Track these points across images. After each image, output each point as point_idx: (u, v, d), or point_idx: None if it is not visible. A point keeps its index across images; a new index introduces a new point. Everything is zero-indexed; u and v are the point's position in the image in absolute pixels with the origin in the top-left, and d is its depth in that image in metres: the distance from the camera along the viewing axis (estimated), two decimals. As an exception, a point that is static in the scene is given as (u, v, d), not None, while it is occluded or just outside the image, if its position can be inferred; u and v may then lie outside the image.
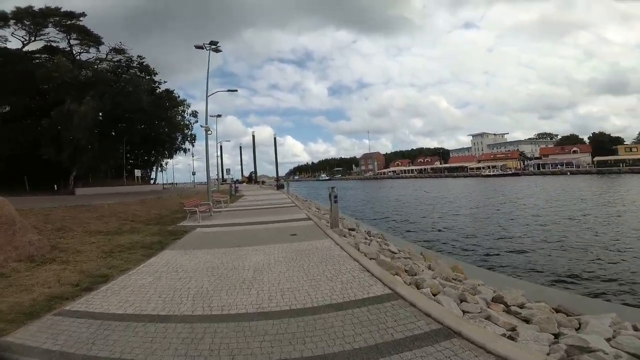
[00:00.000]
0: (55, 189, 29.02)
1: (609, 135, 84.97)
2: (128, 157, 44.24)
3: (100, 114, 33.56)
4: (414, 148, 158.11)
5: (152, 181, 53.07)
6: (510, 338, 3.67)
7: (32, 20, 29.60)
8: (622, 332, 4.01)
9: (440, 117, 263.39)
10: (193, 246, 7.77)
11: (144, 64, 39.74)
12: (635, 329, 4.34)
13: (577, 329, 4.35)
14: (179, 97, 47.83)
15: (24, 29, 30.30)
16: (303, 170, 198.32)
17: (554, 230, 14.73)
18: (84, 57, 35.08)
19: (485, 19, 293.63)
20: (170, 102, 44.26)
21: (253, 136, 78.06)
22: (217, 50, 18.30)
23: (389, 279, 5.01)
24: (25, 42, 31.40)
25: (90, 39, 33.45)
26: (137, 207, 15.75)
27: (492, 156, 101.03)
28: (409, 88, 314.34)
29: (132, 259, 6.73)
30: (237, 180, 64.66)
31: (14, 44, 30.84)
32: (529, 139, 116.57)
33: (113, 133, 38.64)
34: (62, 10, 30.51)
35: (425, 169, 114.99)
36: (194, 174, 53.65)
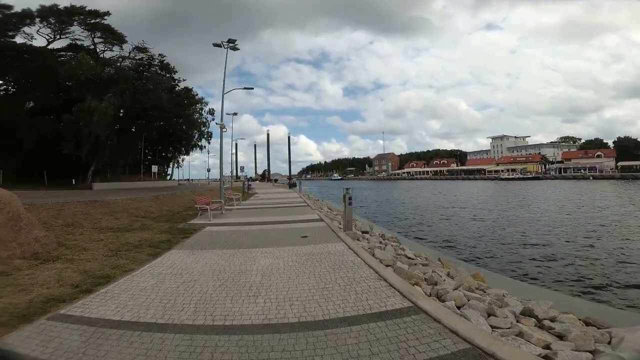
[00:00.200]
0: (74, 183, 29.67)
1: (635, 139, 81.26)
2: (146, 153, 45.13)
3: (121, 110, 34.17)
4: (430, 149, 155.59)
5: (168, 177, 54.04)
6: (547, 358, 3.30)
7: (57, 18, 30.30)
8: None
9: (458, 119, 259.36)
10: (201, 246, 7.51)
11: (165, 62, 40.32)
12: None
13: (609, 343, 4.01)
14: (197, 94, 48.56)
15: (49, 27, 31.06)
16: (315, 170, 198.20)
17: (576, 237, 13.90)
18: (108, 55, 35.86)
19: (507, 21, 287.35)
20: (188, 100, 44.87)
21: (268, 135, 78.48)
22: (234, 49, 18.19)
23: (408, 289, 4.59)
24: (50, 40, 32.22)
25: (114, 37, 34.07)
26: (149, 204, 15.75)
27: (512, 159, 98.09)
28: (426, 89, 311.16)
29: (137, 259, 6.50)
30: (251, 178, 65.07)
31: (39, 41, 31.76)
32: (552, 142, 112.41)
33: (133, 129, 39.37)
34: (87, 9, 31.12)
35: (441, 171, 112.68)
36: (208, 170, 54.04)
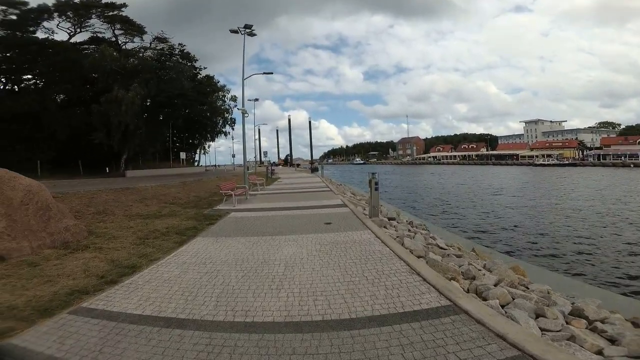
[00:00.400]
0: (107, 171, 31.02)
1: (680, 126, 73.56)
2: (174, 140, 46.44)
3: (148, 100, 35.00)
4: (457, 133, 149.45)
5: (195, 163, 55.52)
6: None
7: (75, 12, 30.91)
8: None
9: (487, 103, 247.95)
10: (225, 233, 7.43)
11: (185, 51, 40.65)
12: None
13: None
14: (218, 82, 48.98)
15: (69, 21, 31.77)
16: (337, 154, 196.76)
17: (621, 230, 12.72)
18: (129, 46, 36.54)
19: (538, 3, 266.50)
20: (210, 88, 45.34)
21: (289, 120, 78.60)
22: (251, 34, 17.80)
23: (444, 285, 4.19)
24: (71, 34, 33.09)
25: (134, 28, 34.54)
26: (177, 190, 16.07)
27: (547, 144, 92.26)
28: (452, 73, 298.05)
29: (164, 247, 6.49)
30: (274, 162, 65.58)
31: (61, 36, 32.68)
32: (589, 127, 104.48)
33: (160, 118, 40.40)
34: (102, 1, 31.52)
35: (469, 155, 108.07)
36: (233, 156, 54.87)
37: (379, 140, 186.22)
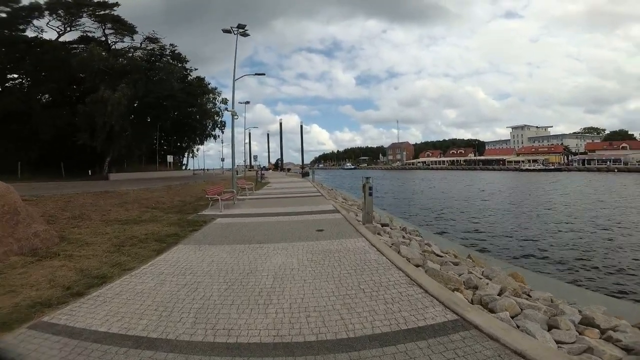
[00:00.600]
0: (90, 174, 29.92)
1: (663, 131, 76.43)
2: (162, 143, 45.38)
3: (140, 103, 34.11)
4: (446, 139, 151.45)
5: (183, 167, 54.43)
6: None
7: (66, 10, 30.09)
8: None
9: (476, 108, 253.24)
10: (209, 240, 6.93)
11: (176, 52, 39.96)
12: None
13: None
14: (209, 84, 48.30)
15: (59, 20, 30.93)
16: (328, 159, 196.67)
17: (612, 232, 12.75)
18: (119, 46, 35.73)
19: (529, 8, 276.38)
20: (201, 89, 44.61)
21: (280, 124, 78.36)
22: (244, 34, 17.40)
23: (448, 297, 3.84)
24: (60, 33, 32.17)
25: (125, 28, 33.79)
26: (161, 194, 15.39)
27: (533, 149, 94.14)
28: (443, 78, 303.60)
29: (140, 255, 5.97)
30: (264, 167, 64.93)
31: (50, 34, 31.75)
32: (575, 133, 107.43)
33: (149, 119, 39.42)
34: (94, 0, 30.76)
35: (458, 161, 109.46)
36: (222, 160, 54.01)
37: (369, 145, 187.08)
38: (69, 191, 13.46)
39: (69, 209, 10.18)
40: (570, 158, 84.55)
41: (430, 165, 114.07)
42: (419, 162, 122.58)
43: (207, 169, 74.35)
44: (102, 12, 31.59)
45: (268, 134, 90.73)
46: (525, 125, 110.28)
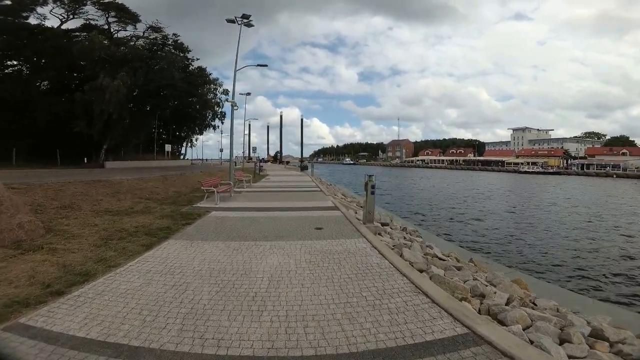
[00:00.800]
0: (85, 161, 29.42)
1: (665, 138, 76.65)
2: (161, 132, 44.79)
3: (136, 90, 33.48)
4: (446, 138, 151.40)
5: (182, 156, 53.90)
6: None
7: None
8: None
9: (478, 109, 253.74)
10: (202, 236, 6.61)
11: (179, 42, 39.20)
12: None
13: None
14: (210, 74, 47.60)
15: (63, 7, 30.18)
16: (327, 153, 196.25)
17: (612, 239, 12.55)
18: (122, 34, 35.00)
19: (539, 11, 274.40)
20: (202, 79, 43.94)
21: (281, 117, 77.72)
22: (249, 25, 17.00)
23: (457, 307, 3.57)
24: (63, 20, 31.43)
25: (128, 16, 33.07)
26: (156, 184, 15.02)
27: (533, 152, 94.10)
28: (446, 78, 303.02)
29: (128, 250, 5.65)
30: (263, 159, 64.46)
31: (53, 22, 31.08)
32: (575, 137, 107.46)
33: (148, 108, 38.82)
34: None
35: (457, 160, 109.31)
36: (221, 150, 53.55)
37: (369, 142, 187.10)
38: (62, 179, 13.07)
39: (59, 198, 9.81)
40: (569, 162, 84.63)
41: (430, 164, 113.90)
42: (418, 160, 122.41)
43: (206, 159, 73.88)
44: (107, 0, 30.91)
45: (268, 126, 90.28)
46: (527, 128, 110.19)
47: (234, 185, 15.19)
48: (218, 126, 50.92)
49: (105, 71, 28.65)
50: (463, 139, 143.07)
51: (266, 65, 19.64)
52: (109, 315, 3.40)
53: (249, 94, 35.19)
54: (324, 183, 25.03)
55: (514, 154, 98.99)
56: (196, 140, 57.03)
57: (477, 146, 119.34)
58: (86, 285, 4.19)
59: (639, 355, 3.44)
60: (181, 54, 39.67)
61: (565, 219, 16.80)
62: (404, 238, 7.72)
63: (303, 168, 42.58)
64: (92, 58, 28.65)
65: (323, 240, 6.16)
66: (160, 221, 8.04)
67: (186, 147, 56.04)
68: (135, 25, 34.13)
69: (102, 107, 27.76)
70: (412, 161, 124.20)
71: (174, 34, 38.46)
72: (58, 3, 29.49)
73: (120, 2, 31.58)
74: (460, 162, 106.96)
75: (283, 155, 77.54)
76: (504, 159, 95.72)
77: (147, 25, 35.09)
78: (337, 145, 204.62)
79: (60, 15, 30.89)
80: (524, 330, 3.57)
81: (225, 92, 47.13)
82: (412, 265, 5.01)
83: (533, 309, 4.63)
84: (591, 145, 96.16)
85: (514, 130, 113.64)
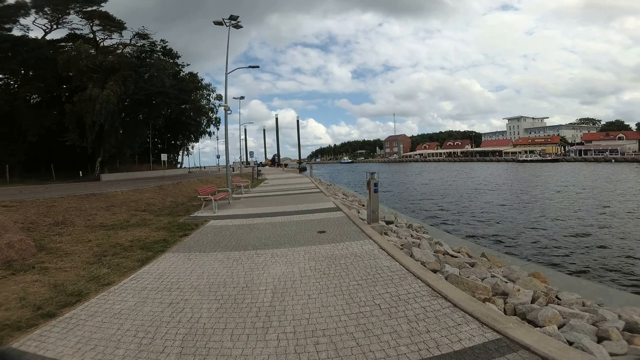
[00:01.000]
0: (81, 175, 29.00)
1: (659, 121, 76.91)
2: (156, 141, 44.34)
3: (128, 100, 33.04)
4: (442, 131, 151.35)
5: (179, 165, 53.46)
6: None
7: (53, 8, 28.87)
8: None
9: (472, 100, 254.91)
10: (200, 247, 6.28)
11: (167, 47, 38.72)
12: None
13: None
14: (202, 80, 47.23)
15: (46, 17, 29.68)
16: (325, 153, 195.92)
17: (623, 224, 12.28)
18: (108, 43, 34.44)
19: (525, 1, 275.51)
20: (193, 85, 43.56)
21: (276, 119, 77.45)
22: (237, 27, 16.61)
23: (483, 311, 3.27)
24: (47, 31, 30.94)
25: (113, 24, 32.55)
26: (152, 195, 14.66)
27: (529, 140, 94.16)
28: (438, 71, 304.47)
29: (122, 267, 5.34)
30: (261, 163, 64.13)
31: (36, 32, 30.61)
32: (571, 123, 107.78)
33: (140, 117, 38.36)
34: None
35: (455, 152, 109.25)
36: (218, 157, 53.11)
37: (366, 139, 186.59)
38: (55, 194, 12.73)
39: (52, 214, 9.47)
40: (567, 149, 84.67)
41: (428, 158, 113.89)
42: (416, 155, 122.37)
43: (204, 167, 73.47)
44: (90, 9, 30.37)
45: (264, 130, 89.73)
46: (522, 117, 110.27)
47: (232, 191, 14.87)
48: (213, 132, 50.65)
49: (93, 81, 28.24)
50: (459, 131, 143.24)
51: (257, 67, 19.36)
52: (103, 339, 3.12)
53: (242, 97, 34.89)
54: (324, 183, 24.72)
55: (511, 143, 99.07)
56: (192, 148, 56.60)
57: (473, 137, 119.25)
58: (78, 306, 3.93)
59: None
60: (171, 60, 39.26)
61: (573, 206, 16.51)
62: (412, 236, 7.42)
63: (302, 170, 42.33)
64: (79, 68, 28.17)
65: (327, 245, 5.84)
66: (157, 234, 7.72)
67: (183, 155, 55.61)
68: (121, 33, 33.62)
69: (93, 118, 27.34)
70: (410, 156, 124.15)
71: (162, 40, 38.03)
72: (40, 13, 29.06)
73: (104, 10, 31.07)
74: (459, 154, 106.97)
75: (281, 158, 77.20)
76: (501, 148, 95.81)
77: (134, 33, 34.64)
78: (335, 145, 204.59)
79: (44, 25, 30.47)
80: (558, 329, 3.31)
81: (219, 97, 46.85)
82: (425, 266, 4.71)
83: (558, 304, 4.35)
84: (587, 132, 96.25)
85: (509, 119, 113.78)
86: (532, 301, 4.13)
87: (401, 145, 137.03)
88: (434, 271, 4.60)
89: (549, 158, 75.62)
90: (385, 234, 6.88)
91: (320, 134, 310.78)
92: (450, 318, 3.17)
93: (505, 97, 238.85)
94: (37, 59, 28.00)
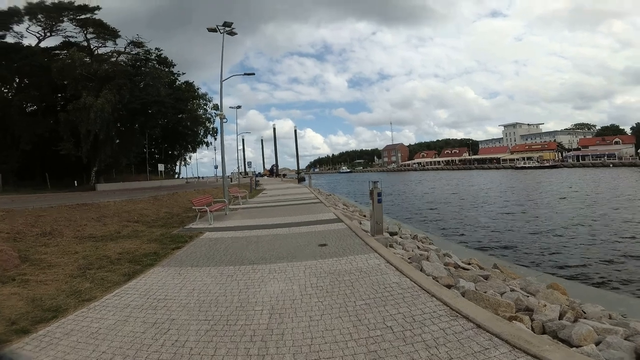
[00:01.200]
0: (76, 184, 28.54)
1: (655, 125, 77.36)
2: (153, 151, 44.04)
3: (123, 109, 32.83)
4: (440, 139, 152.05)
5: (176, 175, 53.05)
6: None
7: (46, 15, 28.86)
8: None
9: (467, 108, 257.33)
10: (192, 262, 5.83)
11: (162, 56, 38.76)
12: None
13: None
14: (199, 89, 47.28)
15: (39, 25, 29.63)
16: (323, 163, 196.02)
17: (631, 227, 11.93)
18: (102, 51, 34.40)
19: (513, 7, 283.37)
20: (189, 94, 43.52)
21: (274, 129, 77.33)
22: (232, 33, 16.41)
23: (512, 332, 2.88)
24: (41, 38, 30.88)
25: (107, 32, 32.53)
26: (146, 205, 14.20)
27: (526, 147, 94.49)
28: (432, 79, 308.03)
29: (106, 281, 4.92)
30: (259, 173, 63.73)
31: (30, 40, 30.52)
32: (566, 129, 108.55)
33: (136, 127, 38.13)
34: (75, 4, 29.56)
35: (453, 161, 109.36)
36: (216, 167, 52.76)
37: (364, 148, 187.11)
38: (46, 204, 12.29)
39: (40, 224, 9.02)
40: (564, 154, 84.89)
41: (426, 166, 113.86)
42: (414, 164, 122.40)
43: (202, 177, 73.02)
44: (83, 17, 30.34)
45: (262, 140, 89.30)
46: (517, 123, 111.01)
47: (229, 202, 14.44)
48: (211, 143, 50.41)
49: (88, 90, 28.05)
50: (456, 139, 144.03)
51: (253, 74, 19.09)
52: (76, 363, 2.68)
53: (239, 107, 34.52)
54: (323, 194, 24.32)
55: (508, 150, 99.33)
56: (190, 158, 56.35)
57: (470, 145, 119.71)
58: (54, 323, 3.56)
59: None
60: (166, 69, 39.27)
61: (581, 213, 16.08)
62: (418, 248, 7.01)
63: (300, 180, 41.97)
64: (74, 76, 28.03)
65: (329, 259, 5.39)
66: (148, 246, 7.27)
67: (180, 165, 55.30)
68: (115, 41, 33.68)
69: (88, 127, 27.09)
70: (409, 165, 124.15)
71: (156, 48, 38.16)
72: (34, 20, 29.01)
73: (97, 18, 31.10)
74: (457, 162, 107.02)
75: (279, 168, 76.89)
76: (499, 155, 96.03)
77: (128, 41, 34.68)
78: (333, 155, 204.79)
79: (38, 33, 30.42)
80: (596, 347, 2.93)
81: (216, 107, 46.76)
82: (438, 281, 4.30)
83: (585, 318, 3.96)
84: (583, 137, 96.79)
85: (504, 126, 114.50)
86: (560, 317, 3.74)
87: (399, 154, 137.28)
88: (448, 286, 4.19)
89: (547, 164, 75.65)
90: (391, 246, 6.47)
91: (318, 143, 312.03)
92: (475, 341, 2.76)
93: (499, 103, 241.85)
94: (31, 67, 27.91)
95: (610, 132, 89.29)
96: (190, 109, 43.03)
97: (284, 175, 69.27)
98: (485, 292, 4.15)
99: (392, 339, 2.89)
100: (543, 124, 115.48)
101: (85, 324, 3.51)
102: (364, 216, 12.53)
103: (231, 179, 45.18)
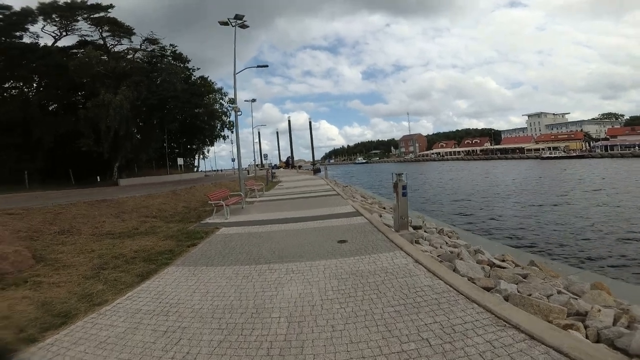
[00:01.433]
0: (98, 180, 29.30)
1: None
2: (172, 146, 44.82)
3: (144, 106, 33.31)
4: (459, 129, 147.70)
5: (195, 169, 53.89)
6: None
7: (60, 15, 29.28)
8: None
9: (488, 98, 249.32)
10: (207, 260, 5.59)
11: (177, 52, 38.97)
12: None
13: None
14: (214, 83, 47.51)
15: (54, 25, 30.03)
16: (339, 154, 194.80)
17: None
18: (118, 49, 34.83)
19: None
20: (205, 89, 43.76)
21: (289, 122, 77.37)
22: (243, 26, 16.11)
23: (570, 343, 2.47)
24: (56, 38, 31.42)
25: (122, 30, 32.86)
26: (164, 200, 14.23)
27: (552, 137, 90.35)
28: (450, 69, 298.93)
29: (120, 282, 4.75)
30: (275, 165, 64.04)
31: (46, 39, 31.14)
32: (593, 119, 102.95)
33: (155, 122, 38.75)
34: (87, 3, 29.87)
35: (474, 151, 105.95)
36: (233, 160, 53.26)
37: (380, 139, 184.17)
38: (67, 200, 12.48)
39: (58, 222, 9.06)
40: (592, 144, 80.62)
41: (445, 156, 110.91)
42: (432, 154, 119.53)
43: (221, 170, 74.03)
44: (97, 15, 30.67)
45: (277, 132, 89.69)
46: (542, 113, 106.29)
47: (246, 195, 14.28)
48: (227, 136, 50.68)
49: (106, 87, 28.48)
50: (477, 129, 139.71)
51: (267, 66, 18.91)
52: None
53: (254, 100, 34.45)
54: (340, 185, 23.90)
55: (533, 140, 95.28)
56: (208, 152, 56.96)
57: (493, 135, 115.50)
58: (62, 330, 3.37)
59: None
60: (181, 65, 39.52)
61: (620, 206, 14.89)
62: (447, 244, 6.51)
63: (316, 171, 41.71)
64: (91, 74, 28.42)
65: (351, 258, 5.00)
66: (163, 243, 7.12)
67: (199, 159, 56.06)
68: (130, 39, 33.85)
69: (107, 123, 27.58)
70: (427, 155, 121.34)
71: (171, 45, 38.32)
72: (48, 20, 29.49)
73: (112, 17, 31.19)
74: (478, 152, 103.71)
75: (295, 159, 77.04)
76: (523, 145, 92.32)
77: (143, 38, 34.93)
78: (348, 145, 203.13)
79: (53, 32, 30.87)
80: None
81: (231, 101, 46.81)
82: (475, 283, 3.84)
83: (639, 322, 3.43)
84: (610, 127, 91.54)
85: (529, 116, 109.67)
86: (615, 322, 3.24)
87: (417, 145, 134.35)
88: (487, 289, 3.73)
89: (574, 154, 72.07)
90: (417, 242, 6.01)
91: (333, 135, 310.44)
92: (530, 357, 2.32)
93: (522, 93, 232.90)
94: (49, 66, 28.44)
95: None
96: (207, 103, 43.30)
97: (300, 167, 69.29)
98: (529, 295, 3.67)
99: (429, 353, 2.49)
100: (569, 113, 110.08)
101: (94, 332, 3.31)
102: (384, 208, 12.05)
103: (248, 171, 45.44)
